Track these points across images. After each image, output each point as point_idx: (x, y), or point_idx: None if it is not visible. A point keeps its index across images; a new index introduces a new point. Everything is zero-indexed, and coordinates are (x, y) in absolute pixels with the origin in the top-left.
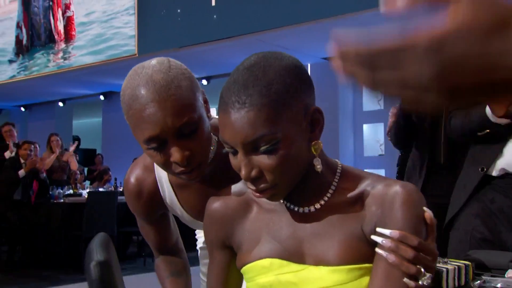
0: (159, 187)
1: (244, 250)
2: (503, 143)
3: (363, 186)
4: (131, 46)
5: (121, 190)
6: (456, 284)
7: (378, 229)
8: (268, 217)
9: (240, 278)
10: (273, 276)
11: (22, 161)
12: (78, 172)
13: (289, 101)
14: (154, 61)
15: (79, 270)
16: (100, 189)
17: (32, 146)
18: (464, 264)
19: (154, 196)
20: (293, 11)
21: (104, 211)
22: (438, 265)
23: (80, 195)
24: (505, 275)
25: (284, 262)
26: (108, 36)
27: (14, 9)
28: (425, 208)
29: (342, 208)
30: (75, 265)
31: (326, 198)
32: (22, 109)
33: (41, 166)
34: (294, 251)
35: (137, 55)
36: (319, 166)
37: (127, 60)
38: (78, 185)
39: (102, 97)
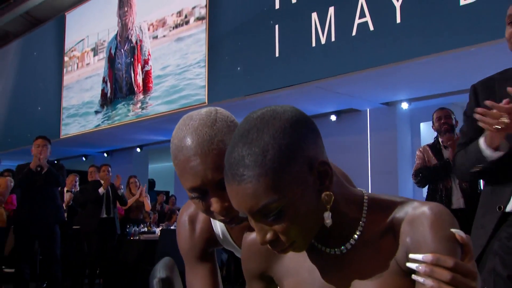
0: (212, 224)
1: (283, 287)
2: None
3: (392, 215)
4: (202, 96)
5: None
6: None
7: (411, 256)
8: (303, 256)
9: None
10: None
11: (102, 182)
12: (152, 212)
13: (287, 164)
14: (202, 112)
15: None
16: (171, 227)
17: (109, 168)
18: None
19: (207, 230)
20: (351, 59)
21: (175, 247)
22: None
23: (154, 232)
24: None
25: None
26: (181, 87)
27: (101, 66)
28: (453, 230)
29: (374, 242)
30: None
31: (356, 236)
32: (105, 154)
33: (117, 183)
34: (331, 287)
35: (207, 103)
36: (328, 221)
37: (198, 108)
38: (152, 224)
39: None
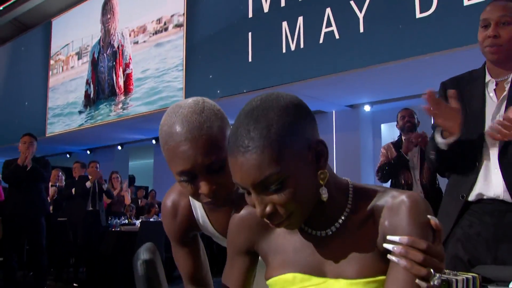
0: (193, 210)
1: (270, 264)
2: (477, 170)
3: (373, 202)
4: (179, 97)
5: None
6: None
7: (389, 237)
8: (290, 236)
9: (252, 283)
10: None
11: (90, 177)
12: (132, 206)
13: (290, 139)
14: (190, 101)
15: None
16: (151, 220)
17: (97, 164)
18: (472, 276)
19: (188, 217)
20: (318, 65)
21: (153, 238)
22: (448, 276)
23: (134, 224)
24: (509, 286)
25: (306, 276)
26: (160, 89)
27: (85, 69)
28: (429, 216)
29: (356, 228)
30: (129, 285)
31: (340, 221)
32: (88, 152)
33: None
34: (315, 267)
35: None
36: (324, 196)
37: None
38: (132, 216)
39: (154, 141)
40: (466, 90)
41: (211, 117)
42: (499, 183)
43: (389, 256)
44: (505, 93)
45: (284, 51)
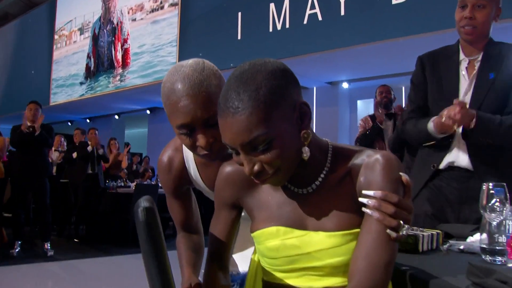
0: (186, 165)
1: (255, 218)
2: (450, 143)
3: (351, 161)
4: None
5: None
6: (429, 247)
7: (364, 191)
8: (274, 193)
9: (236, 236)
10: (280, 241)
11: (89, 142)
12: (125, 171)
13: (277, 101)
14: (191, 61)
15: (127, 245)
16: (144, 183)
17: (96, 131)
18: (436, 232)
19: (181, 171)
20: (302, 44)
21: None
22: (416, 232)
23: (129, 187)
24: (467, 240)
25: (289, 229)
26: (155, 63)
27: (86, 44)
28: (401, 173)
29: (335, 184)
30: (124, 241)
31: (320, 179)
32: (87, 120)
33: (96, 142)
34: (297, 221)
35: None
36: (305, 155)
37: None
38: (128, 179)
39: (148, 112)
40: (442, 66)
41: (210, 76)
42: (464, 153)
43: (363, 209)
44: (475, 71)
45: (271, 30)
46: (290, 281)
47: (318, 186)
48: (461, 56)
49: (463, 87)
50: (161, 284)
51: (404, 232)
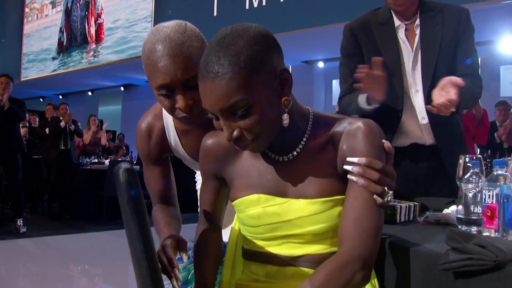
0: (166, 132)
1: (235, 187)
2: (400, 119)
3: (332, 128)
4: None
5: (135, 162)
6: (407, 218)
7: (348, 158)
8: (255, 159)
9: (225, 201)
10: (261, 208)
11: (61, 118)
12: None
13: (257, 67)
14: (173, 22)
15: (101, 222)
16: (118, 159)
17: (67, 106)
18: (413, 203)
19: (161, 138)
20: (278, 22)
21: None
22: (393, 203)
23: (103, 163)
24: (443, 211)
25: (270, 197)
26: (129, 39)
27: (58, 18)
28: (383, 140)
29: (316, 152)
30: (98, 217)
31: (301, 146)
32: (60, 96)
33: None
34: (278, 188)
35: None
36: (285, 122)
37: None
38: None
39: (122, 88)
40: (378, 34)
41: (192, 37)
42: (427, 130)
43: (349, 176)
44: (417, 38)
45: (247, 7)
46: (271, 249)
47: (298, 153)
48: (396, 22)
49: (407, 59)
50: (143, 244)
51: (388, 199)
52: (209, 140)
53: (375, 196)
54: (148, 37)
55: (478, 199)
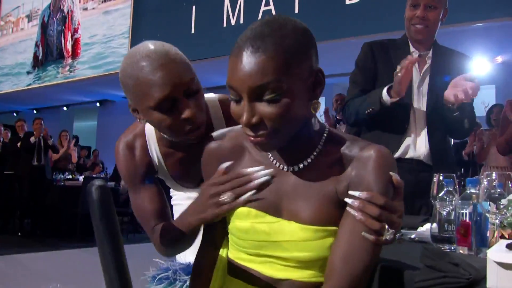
0: (149, 151)
1: None
2: (405, 132)
3: (343, 149)
4: None
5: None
6: None
7: (350, 192)
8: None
9: None
10: (249, 223)
11: (35, 133)
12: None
13: (299, 57)
14: (147, 42)
15: (75, 240)
16: (93, 176)
17: (42, 121)
18: None
19: (144, 155)
20: None
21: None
22: None
23: (78, 179)
24: (417, 230)
25: (261, 213)
26: (106, 54)
27: (34, 32)
28: (391, 173)
29: (322, 170)
30: (72, 235)
31: (309, 160)
32: (34, 111)
33: (45, 134)
34: (272, 204)
35: None
36: (316, 126)
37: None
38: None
39: (98, 104)
40: (394, 56)
41: (172, 48)
42: (423, 145)
43: (347, 208)
44: (427, 66)
45: (225, 25)
46: (252, 265)
47: (304, 167)
48: (412, 48)
49: (415, 80)
50: (115, 263)
51: (388, 237)
52: (212, 144)
53: (364, 233)
54: (125, 63)
55: (452, 217)
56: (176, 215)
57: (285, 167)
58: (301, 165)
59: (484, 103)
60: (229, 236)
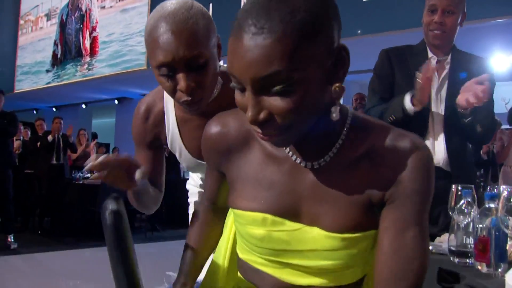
0: (165, 116)
1: (237, 191)
2: (423, 139)
3: (371, 139)
4: (142, 61)
5: None
6: None
7: None
8: (266, 163)
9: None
10: (265, 231)
11: (53, 132)
12: None
13: (314, 34)
14: (175, 0)
15: (93, 238)
16: None
17: (61, 120)
18: None
19: (159, 121)
20: None
21: (115, 191)
22: None
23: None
24: (435, 241)
25: (279, 219)
26: (123, 52)
27: (53, 31)
28: None
29: (348, 165)
30: (90, 234)
31: (331, 154)
32: (54, 109)
33: (69, 132)
34: (290, 208)
35: (146, 68)
36: (335, 115)
37: (138, 72)
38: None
39: (116, 102)
40: (411, 62)
41: (198, 14)
42: (441, 151)
43: None
44: (445, 72)
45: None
46: (269, 270)
47: (327, 162)
48: (430, 54)
49: (434, 86)
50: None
51: None
52: (213, 128)
53: None
54: (151, 15)
55: (470, 229)
56: (190, 211)
57: (303, 162)
58: (322, 161)
59: (505, 99)
60: (238, 235)
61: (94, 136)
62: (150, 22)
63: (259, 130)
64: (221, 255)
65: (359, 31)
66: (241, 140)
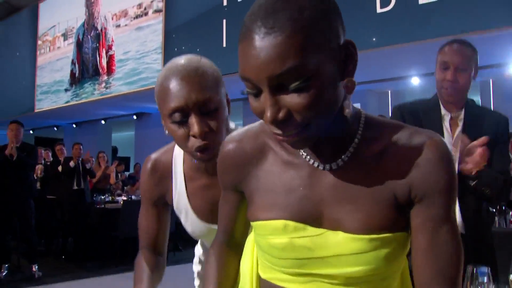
0: (173, 173)
1: (256, 203)
2: None
3: (387, 136)
4: None
5: None
6: None
7: None
8: (284, 170)
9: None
10: (287, 239)
11: (74, 158)
12: (115, 187)
13: (324, 30)
14: (187, 55)
15: (115, 263)
16: (133, 197)
17: (81, 146)
18: None
19: (165, 179)
20: None
21: (136, 215)
22: None
23: (117, 202)
24: None
25: (300, 225)
26: (140, 70)
27: (70, 50)
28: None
29: (367, 163)
30: (112, 258)
31: (349, 154)
32: (74, 125)
33: (87, 158)
34: (311, 213)
35: None
36: (348, 110)
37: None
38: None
39: (134, 117)
40: (424, 119)
41: (207, 65)
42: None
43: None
44: (459, 129)
45: None
46: (293, 286)
47: (345, 163)
48: (443, 110)
49: (447, 142)
50: None
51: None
52: (229, 145)
53: None
54: (161, 72)
55: None
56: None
57: (321, 165)
58: (340, 162)
59: None
60: (258, 252)
61: (114, 150)
62: (161, 75)
63: (279, 131)
64: (246, 283)
65: (374, 39)
66: (257, 152)
